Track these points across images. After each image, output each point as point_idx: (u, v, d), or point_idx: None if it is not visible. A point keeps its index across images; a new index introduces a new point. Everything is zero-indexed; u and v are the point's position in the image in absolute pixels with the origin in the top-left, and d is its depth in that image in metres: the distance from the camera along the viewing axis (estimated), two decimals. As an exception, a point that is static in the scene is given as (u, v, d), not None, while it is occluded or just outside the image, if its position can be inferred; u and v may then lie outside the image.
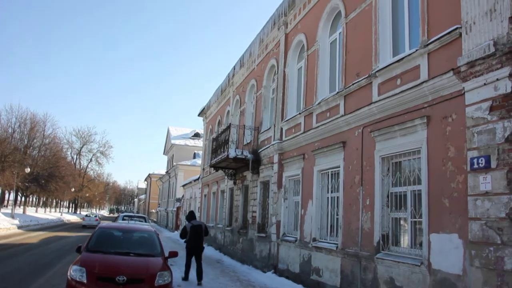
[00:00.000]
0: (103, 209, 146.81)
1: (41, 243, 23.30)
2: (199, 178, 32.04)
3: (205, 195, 29.47)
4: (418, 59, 8.20)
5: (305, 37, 14.10)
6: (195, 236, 12.89)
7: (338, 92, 11.22)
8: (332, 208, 11.51)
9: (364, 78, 10.01)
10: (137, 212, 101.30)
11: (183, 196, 42.78)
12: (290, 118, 14.40)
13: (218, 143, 19.61)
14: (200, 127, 50.42)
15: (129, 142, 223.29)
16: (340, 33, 12.00)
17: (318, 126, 12.22)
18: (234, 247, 19.91)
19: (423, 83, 7.90)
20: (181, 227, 13.01)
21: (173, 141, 61.13)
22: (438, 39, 7.60)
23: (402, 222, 8.73)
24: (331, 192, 11.64)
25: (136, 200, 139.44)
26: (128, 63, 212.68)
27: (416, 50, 8.20)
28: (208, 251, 22.87)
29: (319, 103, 12.30)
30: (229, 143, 17.72)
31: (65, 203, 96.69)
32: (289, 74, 15.35)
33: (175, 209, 47.51)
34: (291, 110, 14.87)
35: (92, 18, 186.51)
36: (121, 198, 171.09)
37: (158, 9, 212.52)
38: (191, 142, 60.44)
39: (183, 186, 41.71)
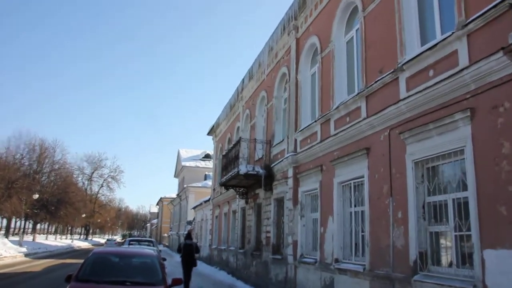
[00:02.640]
0: (116, 235, 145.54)
1: (45, 272, 22.15)
2: (209, 199, 30.79)
3: (216, 217, 28.17)
4: (455, 43, 6.98)
5: (318, 39, 12.98)
6: (187, 252, 15.76)
7: (358, 93, 10.01)
8: (356, 224, 10.17)
9: (389, 74, 8.80)
10: (150, 237, 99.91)
11: (194, 218, 41.48)
12: (305, 128, 13.19)
13: (228, 160, 18.42)
14: (210, 149, 49.39)
15: (140, 166, 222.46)
16: (357, 29, 10.86)
17: (337, 133, 10.98)
18: (248, 270, 18.51)
19: (463, 70, 6.66)
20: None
21: (183, 163, 60.16)
22: (481, 15, 6.38)
23: (443, 237, 7.38)
24: (355, 206, 10.32)
25: (148, 225, 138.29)
26: (134, 82, 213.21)
27: (452, 33, 6.98)
28: (220, 275, 21.50)
29: (337, 107, 11.09)
30: (240, 159, 16.51)
31: (76, 230, 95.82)
32: (302, 80, 14.19)
33: (186, 232, 46.10)
34: (306, 119, 13.67)
35: (97, 37, 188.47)
36: (133, 223, 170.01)
37: (164, 27, 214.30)
38: (201, 164, 59.40)
39: (194, 208, 40.44)
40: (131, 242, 22.75)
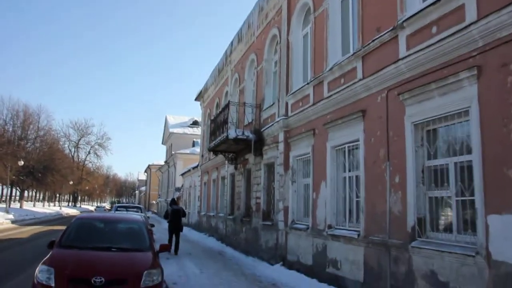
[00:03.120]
0: (104, 202, 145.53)
1: (31, 238, 21.79)
2: (198, 165, 30.44)
3: (204, 183, 27.89)
4: (462, -4, 6.51)
5: (311, -2, 12.37)
6: (174, 217, 16.55)
7: (354, 53, 9.53)
8: (351, 190, 9.86)
9: (388, 32, 8.32)
10: (138, 204, 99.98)
11: (182, 185, 41.24)
12: (297, 90, 12.72)
13: (217, 125, 17.94)
14: (199, 115, 48.78)
15: (128, 133, 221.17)
16: (353, -14, 10.29)
17: (330, 96, 10.55)
18: (237, 237, 18.34)
19: (471, 26, 6.21)
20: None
21: (171, 130, 59.51)
22: (492, -35, 5.90)
23: (443, 202, 7.09)
24: (349, 171, 9.99)
25: (137, 192, 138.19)
26: (122, 53, 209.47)
27: (459, -15, 6.50)
28: (210, 242, 21.36)
29: (331, 68, 10.61)
30: (229, 123, 16.05)
31: (64, 197, 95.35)
32: (294, 42, 13.62)
33: (171, 199, 45.98)
34: (297, 81, 13.18)
35: (87, 11, 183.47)
36: (122, 190, 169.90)
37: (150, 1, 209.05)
38: (189, 130, 58.77)
39: (182, 175, 40.15)
40: (118, 209, 22.35)
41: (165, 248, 8.22)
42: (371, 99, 8.93)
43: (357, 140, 9.40)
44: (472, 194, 6.16)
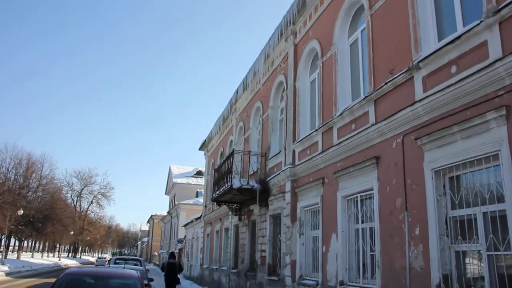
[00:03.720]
0: (106, 253, 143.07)
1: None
2: (201, 216, 29.58)
3: (207, 235, 26.95)
4: (484, 33, 6.06)
5: (319, 43, 12.09)
6: (170, 270, 17.44)
7: (366, 97, 9.06)
8: (364, 243, 9.12)
9: (402, 74, 7.87)
10: (140, 255, 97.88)
11: (185, 236, 40.14)
12: (304, 138, 12.21)
13: (221, 174, 17.35)
14: (202, 165, 48.29)
15: (131, 183, 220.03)
16: (363, 29, 9.98)
17: (340, 142, 10.01)
18: (241, 292, 17.31)
19: (496, 63, 5.73)
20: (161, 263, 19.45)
21: (174, 180, 58.84)
22: (518, -1, 5.49)
23: (472, 257, 6.36)
24: (362, 222, 9.28)
25: (139, 243, 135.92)
26: (125, 102, 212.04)
27: (481, 22, 6.08)
28: (212, 297, 20.26)
29: (340, 114, 10.13)
30: (233, 172, 15.46)
31: (64, 247, 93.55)
32: (301, 88, 13.26)
33: (177, 251, 44.72)
34: (304, 129, 12.70)
35: (91, 56, 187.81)
36: (124, 241, 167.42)
37: (158, 47, 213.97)
38: (193, 181, 58.10)
39: (185, 226, 39.15)
40: (116, 261, 21.45)
41: None
42: (386, 145, 8.37)
43: (371, 189, 8.77)
44: (508, 248, 5.46)
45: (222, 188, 16.26)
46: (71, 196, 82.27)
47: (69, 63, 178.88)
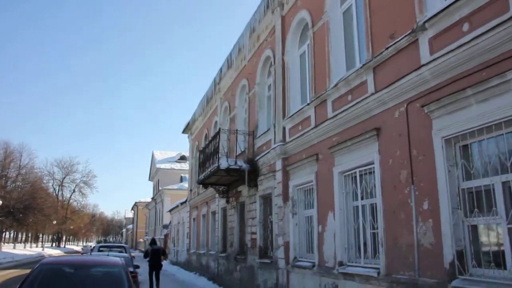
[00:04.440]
0: (90, 242, 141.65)
1: (3, 284, 19.95)
2: (186, 201, 28.92)
3: (193, 219, 26.32)
4: (503, -17, 5.47)
5: (309, 13, 11.40)
6: (154, 256, 17.14)
7: (363, 65, 8.43)
8: (365, 220, 8.58)
9: (405, 37, 7.25)
10: (125, 243, 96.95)
11: (170, 222, 39.49)
12: (295, 113, 11.58)
13: (206, 156, 16.64)
14: (186, 150, 47.50)
15: (114, 171, 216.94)
16: (358, -7, 9.33)
17: (336, 115, 9.41)
18: (231, 276, 16.79)
19: (519, 15, 5.15)
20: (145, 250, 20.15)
21: (158, 166, 57.99)
22: None
23: (489, 230, 5.85)
24: (362, 199, 8.72)
25: (124, 230, 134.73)
26: (108, 90, 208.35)
27: (498, -29, 5.47)
28: (200, 282, 19.76)
29: (335, 85, 9.51)
30: (219, 152, 14.77)
31: (48, 237, 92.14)
32: (290, 62, 12.58)
33: (162, 236, 44.10)
34: (295, 104, 12.07)
35: (70, 50, 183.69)
36: (109, 229, 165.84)
37: (140, 31, 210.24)
38: (177, 166, 57.26)
39: (170, 211, 38.47)
40: (100, 249, 20.63)
41: None
42: (387, 115, 7.79)
43: (371, 163, 8.20)
44: (534, 220, 4.94)
45: (209, 170, 15.59)
46: (52, 185, 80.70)
47: (51, 50, 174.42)
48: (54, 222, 67.76)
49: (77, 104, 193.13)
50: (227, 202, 17.81)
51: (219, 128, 15.89)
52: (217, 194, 18.67)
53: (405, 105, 7.29)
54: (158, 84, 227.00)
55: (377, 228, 7.98)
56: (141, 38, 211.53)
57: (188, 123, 28.20)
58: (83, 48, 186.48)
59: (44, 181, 72.30)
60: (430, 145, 6.60)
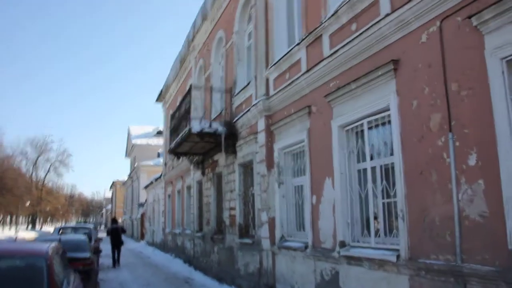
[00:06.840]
0: (70, 222, 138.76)
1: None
2: (161, 176, 26.68)
3: (168, 196, 24.14)
4: None
5: None
6: (114, 234, 19.32)
7: (374, -22, 6.26)
8: (375, 187, 6.51)
9: None
10: (109, 223, 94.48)
11: (146, 200, 37.26)
12: (281, 58, 9.39)
13: (178, 120, 14.33)
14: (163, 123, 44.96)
15: (92, 150, 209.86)
16: None
17: (334, 53, 7.24)
18: (208, 259, 14.74)
19: None
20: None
21: (134, 141, 55.25)
22: None
23: None
24: (371, 159, 6.64)
25: (104, 210, 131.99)
26: (81, 66, 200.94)
27: None
28: (175, 265, 17.70)
29: (334, 13, 7.32)
30: (191, 113, 12.52)
31: (22, 219, 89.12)
32: None
33: (139, 216, 41.90)
34: (281, 48, 9.85)
35: (43, 26, 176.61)
36: (89, 210, 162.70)
37: (112, 10, 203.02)
38: (154, 141, 54.53)
39: (145, 188, 36.20)
40: (62, 231, 18.41)
41: None
42: (409, 40, 5.66)
43: (385, 110, 6.11)
44: None
45: (180, 135, 13.33)
46: (26, 165, 77.28)
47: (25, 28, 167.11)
48: (28, 203, 64.90)
49: (50, 79, 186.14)
50: (203, 174, 15.65)
51: (191, 85, 13.64)
52: (192, 166, 16.50)
53: (438, 23, 5.16)
54: (137, 54, 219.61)
55: (393, 196, 5.94)
56: (115, 10, 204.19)
57: (161, 91, 25.75)
58: (55, 24, 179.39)
59: (16, 161, 69.14)
60: (482, 72, 4.52)
